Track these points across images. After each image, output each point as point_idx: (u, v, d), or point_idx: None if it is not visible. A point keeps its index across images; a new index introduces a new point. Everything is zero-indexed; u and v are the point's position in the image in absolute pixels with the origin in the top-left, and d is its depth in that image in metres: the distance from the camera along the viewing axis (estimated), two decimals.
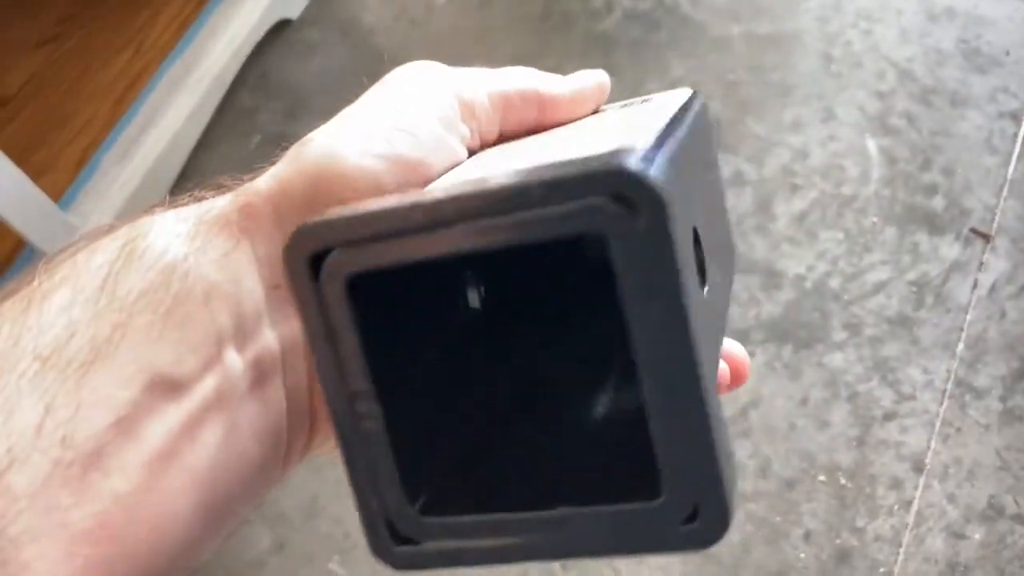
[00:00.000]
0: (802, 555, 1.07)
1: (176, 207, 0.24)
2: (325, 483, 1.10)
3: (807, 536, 1.08)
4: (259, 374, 0.22)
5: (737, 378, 0.28)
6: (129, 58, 1.21)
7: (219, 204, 0.24)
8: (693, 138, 0.23)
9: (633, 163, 0.16)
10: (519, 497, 0.19)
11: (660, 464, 0.17)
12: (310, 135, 0.25)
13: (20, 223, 0.98)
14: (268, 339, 0.23)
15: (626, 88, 1.30)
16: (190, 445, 0.21)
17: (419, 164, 0.24)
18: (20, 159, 1.14)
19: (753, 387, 1.14)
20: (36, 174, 1.13)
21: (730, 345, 0.28)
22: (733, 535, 1.07)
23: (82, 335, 0.20)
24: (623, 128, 0.24)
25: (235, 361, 0.22)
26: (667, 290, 0.16)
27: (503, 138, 0.28)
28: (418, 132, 0.25)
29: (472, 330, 0.24)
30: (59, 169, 1.14)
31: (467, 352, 0.23)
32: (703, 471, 0.17)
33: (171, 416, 0.21)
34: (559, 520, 0.18)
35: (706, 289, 0.21)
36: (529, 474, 0.21)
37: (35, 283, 0.22)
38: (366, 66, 1.33)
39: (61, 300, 0.21)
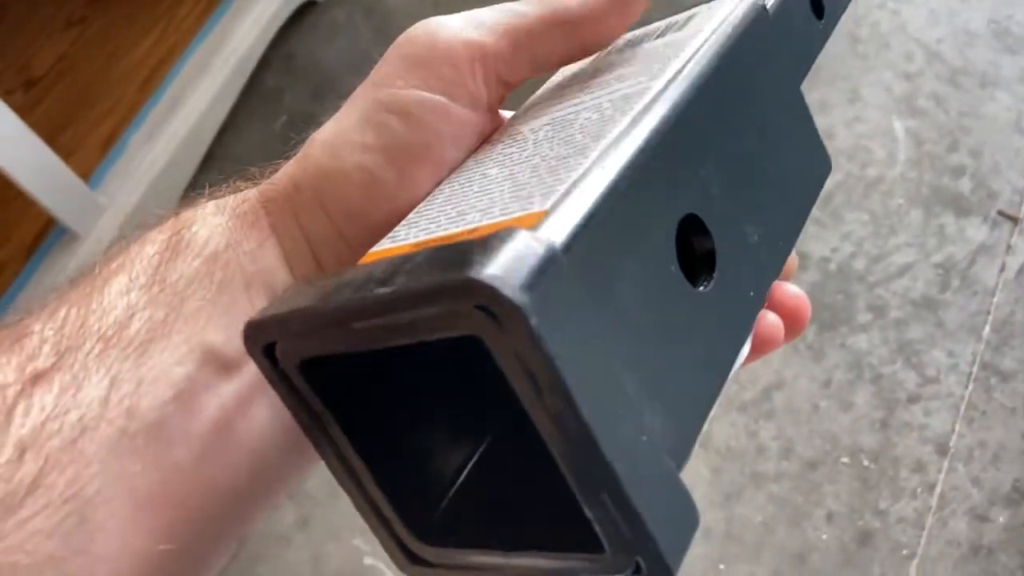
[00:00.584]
0: (824, 536, 1.07)
1: (214, 198, 0.25)
2: None
3: (829, 517, 1.08)
4: None
5: (794, 325, 0.27)
6: (156, 39, 1.22)
7: (249, 198, 0.25)
8: (706, 92, 0.23)
9: (486, 274, 0.16)
10: (499, 537, 0.20)
11: (594, 526, 0.17)
12: (315, 134, 0.26)
13: (50, 202, 0.99)
14: None
15: None
16: (243, 419, 0.22)
17: (418, 148, 0.24)
18: (49, 139, 1.16)
19: (776, 368, 1.14)
20: (65, 154, 1.14)
21: (781, 290, 0.27)
22: (756, 516, 1.07)
23: (140, 317, 0.22)
24: (570, 150, 0.22)
25: None
26: (552, 386, 0.16)
27: (542, 70, 0.27)
28: (412, 110, 0.24)
29: (437, 390, 0.24)
30: (87, 149, 1.15)
31: (437, 408, 0.24)
32: (634, 534, 0.17)
33: (225, 391, 0.22)
34: (526, 566, 0.20)
35: (710, 284, 0.21)
36: (504, 517, 0.21)
37: (96, 271, 0.23)
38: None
39: (119, 286, 0.22)
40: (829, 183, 1.22)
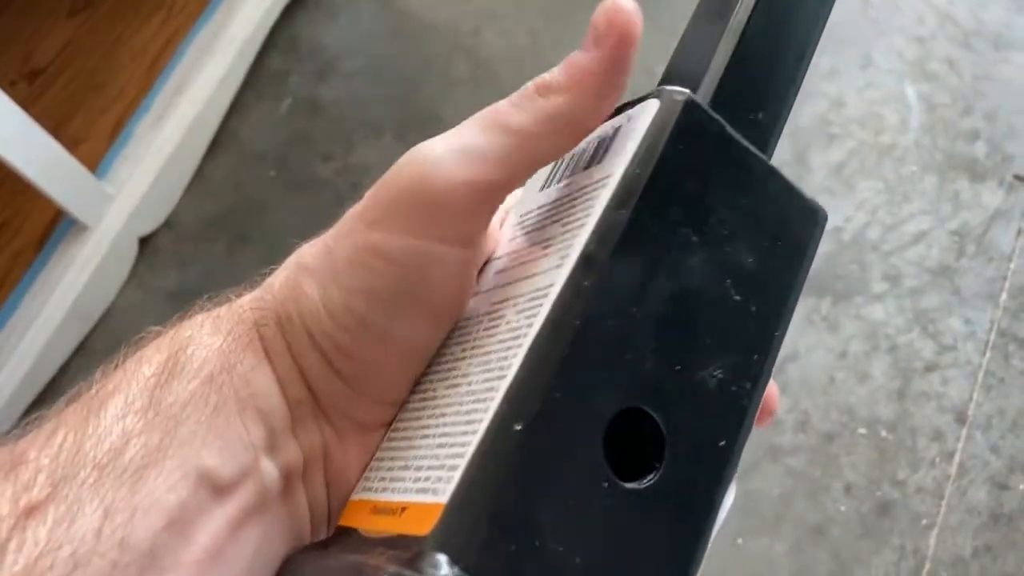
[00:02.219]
0: (843, 508, 1.07)
1: (210, 313, 0.26)
2: None
3: (848, 489, 1.07)
4: (287, 482, 0.24)
5: (765, 415, 0.27)
6: (160, 23, 1.21)
7: (244, 319, 0.25)
8: (621, 257, 0.21)
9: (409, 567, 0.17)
10: None
11: None
12: (305, 252, 0.26)
13: (58, 194, 0.99)
14: (293, 450, 0.24)
15: (662, 37, 1.27)
16: (234, 545, 0.23)
17: (406, 296, 0.24)
18: (56, 129, 1.15)
19: (791, 340, 1.13)
20: (72, 143, 1.14)
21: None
22: (773, 489, 1.07)
23: (135, 443, 0.22)
24: (482, 393, 0.22)
25: (269, 468, 0.24)
26: None
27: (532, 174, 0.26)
28: (400, 258, 0.24)
29: None
30: (94, 137, 1.15)
31: None
32: None
33: (217, 517, 0.22)
34: None
35: (658, 475, 0.20)
36: None
37: (92, 391, 0.23)
38: (393, 26, 1.32)
39: (115, 409, 0.23)
40: (841, 151, 1.21)
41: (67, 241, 1.10)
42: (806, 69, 0.25)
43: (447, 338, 0.25)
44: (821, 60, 1.26)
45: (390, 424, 0.26)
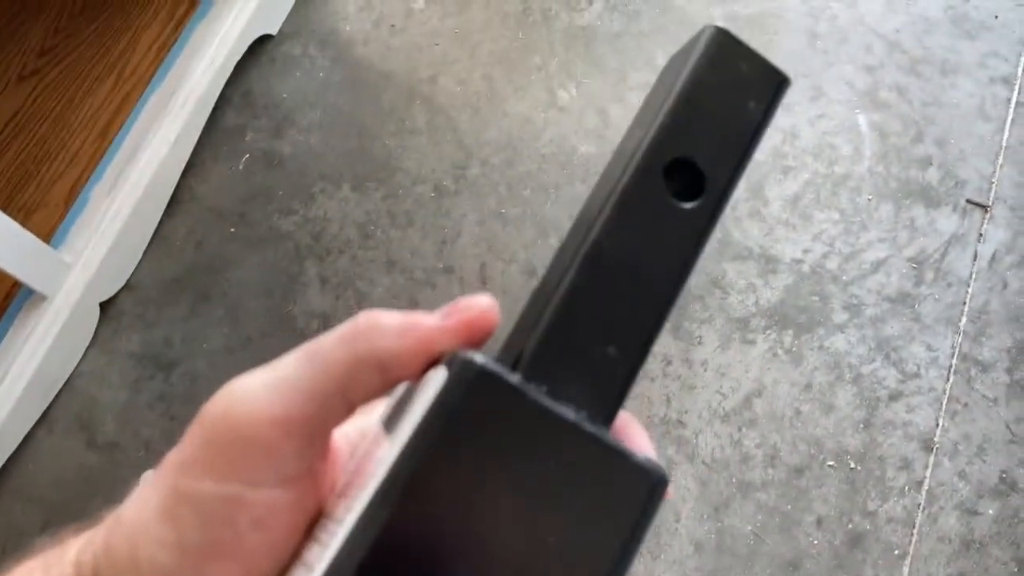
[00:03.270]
0: (815, 541, 1.07)
1: (41, 561, 0.25)
2: None
3: (819, 522, 1.08)
4: None
5: None
6: (111, 87, 1.21)
7: (66, 573, 0.24)
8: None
9: None
10: None
11: None
12: (121, 509, 0.24)
13: (13, 268, 0.98)
14: None
15: (609, 80, 1.29)
16: None
17: (211, 545, 0.23)
18: (9, 198, 1.15)
19: (756, 376, 1.13)
20: (26, 212, 1.14)
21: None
22: (745, 526, 1.07)
23: None
24: None
25: None
26: None
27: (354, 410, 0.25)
28: (206, 504, 0.23)
29: None
30: (49, 205, 1.14)
31: None
32: None
33: None
34: None
35: None
36: None
37: None
38: (348, 76, 1.32)
39: None
40: (796, 183, 1.22)
41: (26, 311, 1.09)
42: (671, 299, 0.23)
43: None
44: None
45: None
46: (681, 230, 0.22)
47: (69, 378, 1.16)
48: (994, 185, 1.21)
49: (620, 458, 0.22)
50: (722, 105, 0.22)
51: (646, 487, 0.22)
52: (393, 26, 1.34)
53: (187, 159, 1.23)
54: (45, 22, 1.24)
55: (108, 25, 1.23)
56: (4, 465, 1.12)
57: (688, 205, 0.22)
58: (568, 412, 0.21)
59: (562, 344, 0.22)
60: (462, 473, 0.21)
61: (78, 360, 1.17)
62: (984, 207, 1.20)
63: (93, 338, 1.18)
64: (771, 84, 0.23)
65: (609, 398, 0.22)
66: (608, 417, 0.23)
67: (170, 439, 1.14)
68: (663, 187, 0.22)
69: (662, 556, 1.07)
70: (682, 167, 0.22)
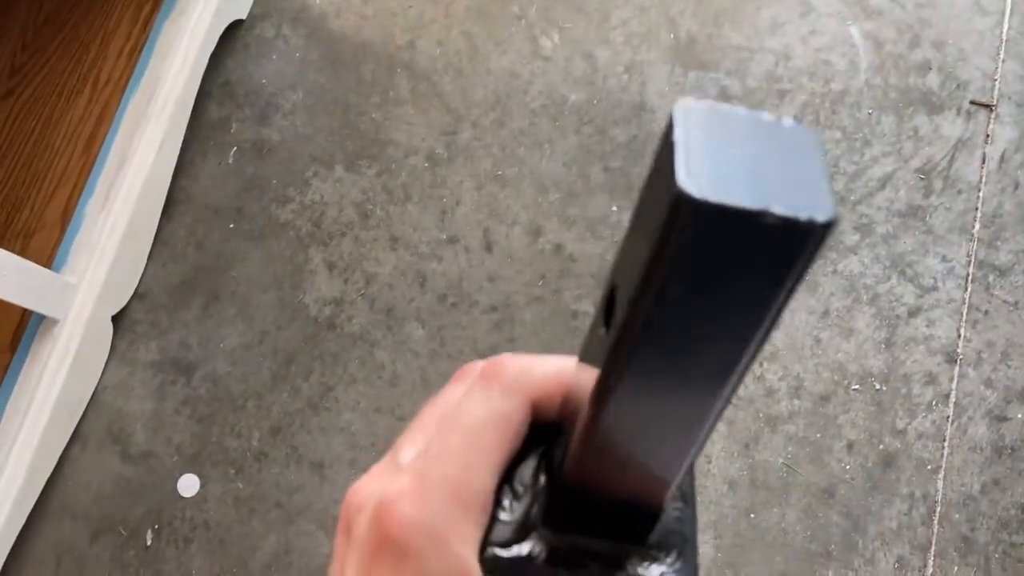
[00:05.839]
0: (847, 467, 1.07)
1: None
2: None
3: (850, 447, 1.08)
4: None
5: None
6: (88, 98, 1.19)
7: None
8: None
9: None
10: None
11: None
12: None
13: (21, 298, 0.98)
14: None
15: (592, 22, 1.25)
16: None
17: None
18: (5, 226, 1.14)
19: None
20: (24, 238, 1.13)
21: None
22: (776, 459, 1.08)
23: None
24: None
25: None
26: None
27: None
28: None
29: None
30: (46, 227, 1.13)
31: None
32: None
33: None
34: None
35: None
36: None
37: None
38: (325, 52, 1.29)
39: None
40: (794, 106, 1.19)
41: (40, 337, 1.09)
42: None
43: None
44: (761, 15, 1.24)
45: None
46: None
47: (94, 394, 1.17)
48: (997, 82, 1.18)
49: None
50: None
51: None
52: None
53: (176, 160, 1.22)
54: (10, 41, 1.21)
55: (74, 35, 1.20)
56: (44, 487, 1.14)
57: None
58: None
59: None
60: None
61: (99, 375, 1.17)
62: (989, 107, 1.17)
63: (111, 352, 1.18)
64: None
65: None
66: None
67: (201, 441, 1.16)
68: None
69: (697, 498, 1.08)
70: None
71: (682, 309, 0.18)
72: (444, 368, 1.13)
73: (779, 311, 0.18)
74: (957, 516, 1.05)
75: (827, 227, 0.16)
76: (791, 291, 0.18)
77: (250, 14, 1.31)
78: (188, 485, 1.14)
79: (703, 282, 0.17)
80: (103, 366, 1.18)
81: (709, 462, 1.09)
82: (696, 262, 0.17)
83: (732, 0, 1.24)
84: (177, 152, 1.21)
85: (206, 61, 1.24)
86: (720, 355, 0.18)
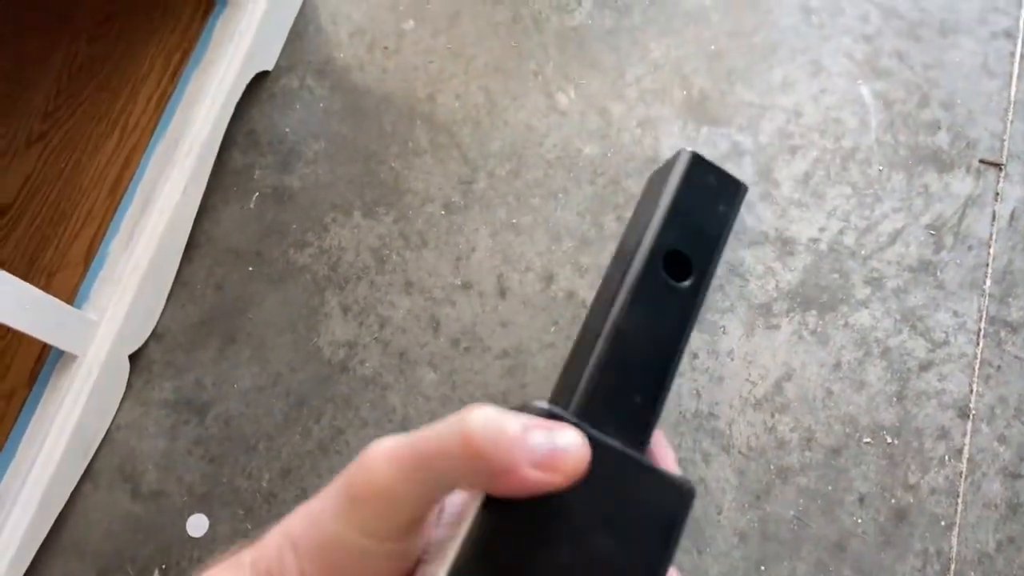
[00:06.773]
0: (859, 520, 1.06)
1: (224, 558, 0.29)
2: None
3: (862, 500, 1.07)
4: None
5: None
6: (116, 142, 1.22)
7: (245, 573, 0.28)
8: None
9: None
10: None
11: None
12: (279, 527, 0.28)
13: (41, 333, 1.00)
14: None
15: (607, 79, 1.28)
16: None
17: None
18: (30, 263, 1.17)
19: (784, 360, 1.13)
20: (48, 275, 1.16)
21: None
22: (787, 511, 1.07)
23: None
24: None
25: None
26: None
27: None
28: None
29: None
30: (69, 266, 1.16)
31: None
32: None
33: None
34: None
35: None
36: None
37: None
38: (348, 103, 1.33)
39: None
40: (805, 162, 1.21)
41: (58, 373, 1.11)
42: (678, 355, 0.29)
43: None
44: (772, 73, 1.27)
45: None
46: (679, 303, 0.30)
47: (107, 432, 1.18)
48: (1006, 142, 1.20)
49: (656, 474, 0.27)
50: (699, 209, 0.30)
51: (679, 496, 0.27)
52: (386, 48, 1.35)
53: (199, 203, 1.25)
54: (47, 85, 1.26)
55: (106, 82, 1.25)
56: (55, 524, 1.14)
57: (682, 284, 0.30)
58: (614, 442, 0.27)
59: (600, 396, 0.28)
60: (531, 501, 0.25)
61: (114, 413, 1.19)
62: (998, 165, 1.18)
63: (126, 390, 1.20)
64: (734, 191, 0.31)
65: (639, 433, 0.28)
66: (641, 447, 0.28)
67: (211, 481, 1.17)
68: (663, 272, 0.29)
69: (707, 550, 1.07)
70: (674, 256, 0.30)
71: None
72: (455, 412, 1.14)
73: None
74: (972, 574, 1.03)
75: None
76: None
77: (276, 65, 1.35)
78: (197, 525, 1.14)
79: None
80: (118, 404, 1.19)
81: (719, 513, 1.08)
82: None
83: (744, 59, 1.27)
84: (200, 196, 1.24)
85: (232, 110, 1.28)
86: None
